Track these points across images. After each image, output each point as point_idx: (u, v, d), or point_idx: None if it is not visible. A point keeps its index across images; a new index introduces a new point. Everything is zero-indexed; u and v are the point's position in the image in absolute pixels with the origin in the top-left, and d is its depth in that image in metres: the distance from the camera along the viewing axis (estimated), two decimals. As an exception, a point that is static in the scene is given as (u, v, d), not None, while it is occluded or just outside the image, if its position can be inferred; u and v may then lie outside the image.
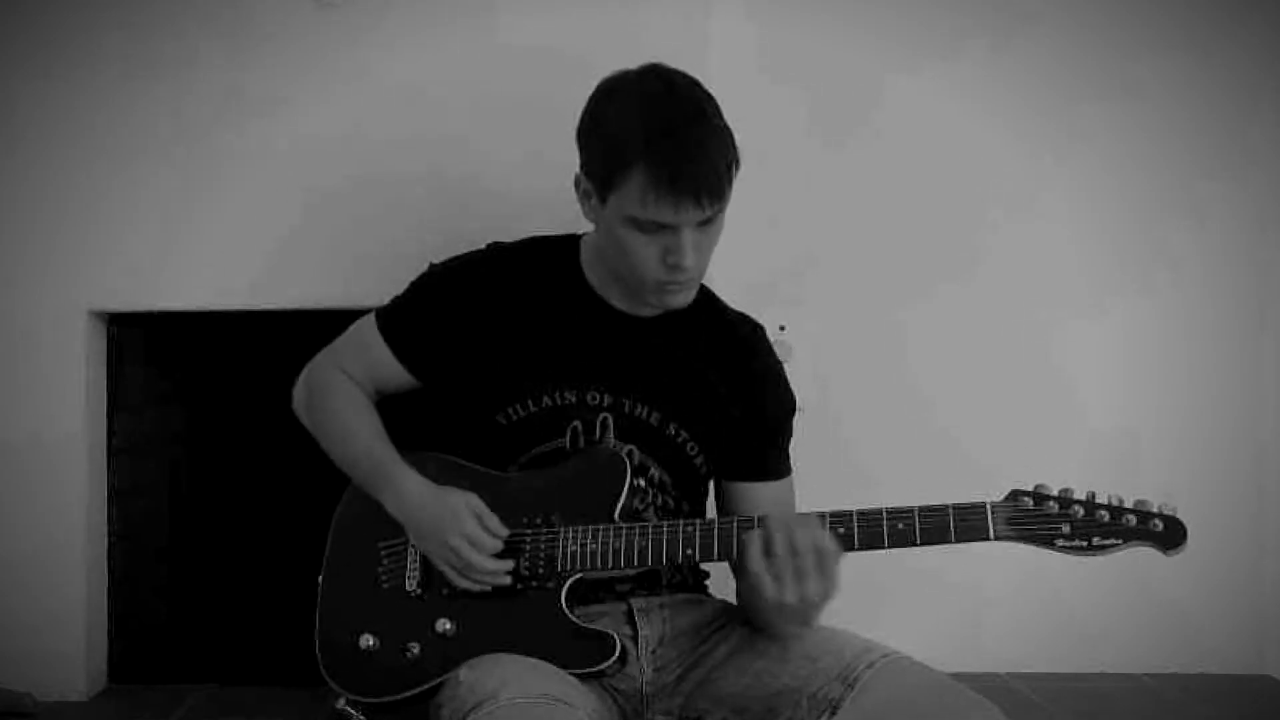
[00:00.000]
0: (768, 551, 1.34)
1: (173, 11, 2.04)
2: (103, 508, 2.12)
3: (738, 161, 1.43)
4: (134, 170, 2.05)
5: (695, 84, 1.44)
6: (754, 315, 1.68)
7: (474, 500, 1.45)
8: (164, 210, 2.05)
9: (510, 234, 1.68)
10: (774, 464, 1.62)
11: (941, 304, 2.24)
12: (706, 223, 1.41)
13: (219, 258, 2.05)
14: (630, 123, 1.39)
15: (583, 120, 1.47)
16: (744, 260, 2.20)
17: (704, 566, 1.65)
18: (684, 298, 1.49)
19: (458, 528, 1.42)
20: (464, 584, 1.45)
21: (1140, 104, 2.25)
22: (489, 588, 1.44)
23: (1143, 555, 2.17)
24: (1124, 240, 2.26)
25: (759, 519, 1.39)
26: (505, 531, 1.44)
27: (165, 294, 2.05)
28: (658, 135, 1.36)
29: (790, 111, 2.23)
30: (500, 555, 1.45)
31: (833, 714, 1.31)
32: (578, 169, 1.48)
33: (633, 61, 1.48)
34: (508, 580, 1.44)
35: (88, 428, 2.07)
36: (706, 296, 1.64)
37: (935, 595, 2.24)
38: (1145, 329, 2.27)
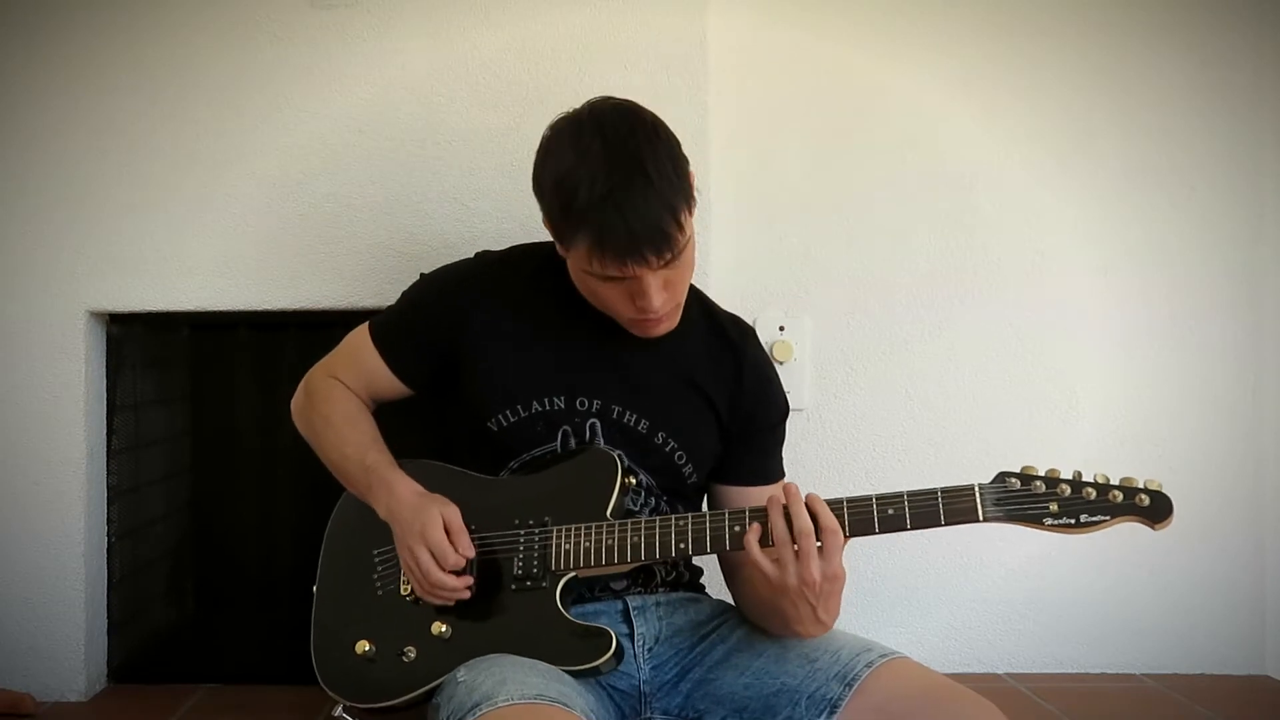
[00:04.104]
0: (767, 539, 1.34)
1: (173, 12, 2.04)
2: (103, 508, 2.12)
3: (690, 199, 1.40)
4: (134, 170, 2.05)
5: (634, 126, 1.39)
6: (754, 315, 1.68)
7: (451, 512, 1.45)
8: (164, 210, 2.05)
9: (509, 237, 1.68)
10: (766, 467, 1.62)
11: (941, 304, 2.24)
12: (668, 263, 1.39)
13: (219, 258, 2.05)
14: (569, 186, 1.36)
15: (533, 175, 1.46)
16: (744, 260, 2.21)
17: (700, 565, 1.65)
18: (666, 326, 1.48)
19: (423, 534, 1.42)
20: (425, 596, 1.45)
21: (1143, 106, 2.25)
22: (450, 602, 1.44)
23: (1143, 555, 2.19)
24: (1125, 242, 2.26)
25: (749, 510, 1.38)
26: (472, 551, 1.44)
27: (165, 294, 2.05)
28: (596, 202, 1.34)
29: (790, 111, 2.23)
30: (492, 556, 1.45)
31: (831, 713, 1.31)
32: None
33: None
34: (467, 594, 1.43)
35: (88, 428, 2.07)
36: (699, 298, 1.64)
37: (934, 596, 2.24)
38: (1144, 333, 2.26)
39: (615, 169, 1.35)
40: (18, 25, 2.05)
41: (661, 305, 1.42)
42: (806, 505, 1.33)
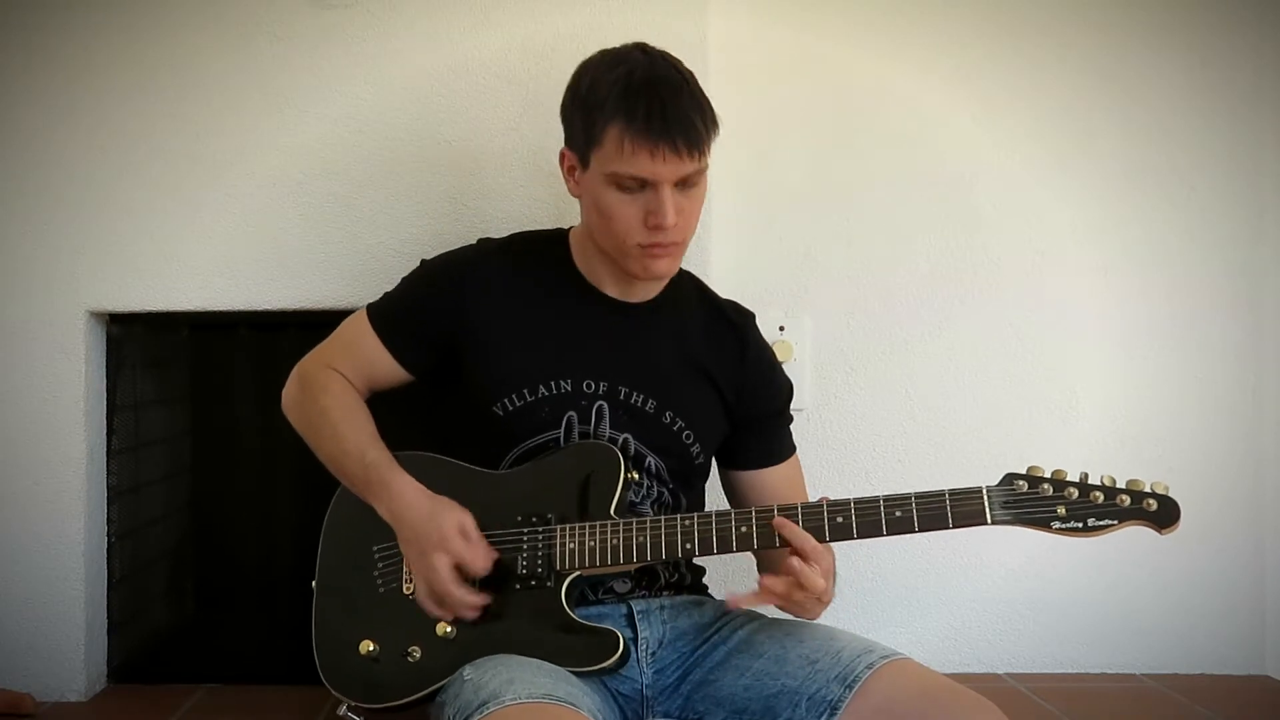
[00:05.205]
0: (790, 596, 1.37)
1: (173, 12, 2.04)
2: (103, 508, 2.12)
3: (716, 125, 1.45)
4: (134, 170, 2.04)
5: (669, 58, 1.48)
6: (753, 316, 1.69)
7: (467, 521, 1.44)
8: (164, 210, 2.04)
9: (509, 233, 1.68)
10: (777, 446, 1.63)
11: (941, 304, 2.24)
12: (686, 184, 1.43)
13: (219, 258, 2.04)
14: (607, 82, 1.42)
15: (565, 96, 1.50)
16: (744, 260, 2.21)
17: (702, 564, 1.65)
18: (668, 264, 1.49)
19: (442, 544, 1.42)
20: (429, 606, 1.44)
21: (1143, 106, 2.25)
22: (448, 619, 1.43)
23: (1143, 555, 2.19)
24: (1125, 242, 2.26)
25: (756, 511, 1.40)
26: (490, 564, 1.43)
27: (165, 294, 2.05)
28: (634, 88, 1.40)
29: (790, 111, 2.23)
30: (497, 555, 1.45)
31: (832, 715, 1.31)
32: (562, 145, 1.50)
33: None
34: (474, 615, 1.43)
35: (88, 428, 2.06)
36: (698, 285, 1.66)
37: (935, 596, 2.24)
38: (1145, 333, 2.26)
39: (655, 70, 1.43)
40: (18, 25, 2.04)
41: (674, 227, 1.43)
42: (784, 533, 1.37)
